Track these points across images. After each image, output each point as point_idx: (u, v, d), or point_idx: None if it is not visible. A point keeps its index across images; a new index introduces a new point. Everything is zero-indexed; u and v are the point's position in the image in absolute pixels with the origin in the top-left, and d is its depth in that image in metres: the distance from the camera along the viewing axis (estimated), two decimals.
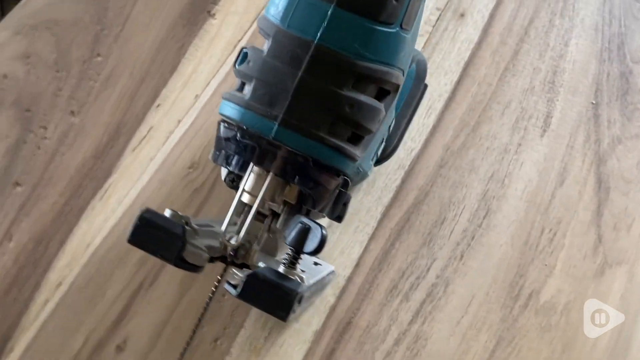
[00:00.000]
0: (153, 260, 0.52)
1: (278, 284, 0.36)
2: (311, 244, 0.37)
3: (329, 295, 0.55)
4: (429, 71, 0.64)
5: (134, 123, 0.61)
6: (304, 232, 0.37)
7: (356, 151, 0.39)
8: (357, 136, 0.39)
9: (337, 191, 0.40)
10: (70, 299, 0.54)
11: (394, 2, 0.36)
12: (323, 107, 0.37)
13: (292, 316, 0.37)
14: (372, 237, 0.57)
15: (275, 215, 0.42)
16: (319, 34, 0.36)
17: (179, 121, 0.61)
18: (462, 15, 0.67)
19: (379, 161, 0.57)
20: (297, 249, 0.37)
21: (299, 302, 0.38)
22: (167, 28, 0.65)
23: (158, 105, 0.61)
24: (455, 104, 0.63)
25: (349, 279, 0.56)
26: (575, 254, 0.58)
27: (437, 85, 0.64)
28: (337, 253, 0.56)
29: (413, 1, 0.38)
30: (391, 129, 0.51)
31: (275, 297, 0.36)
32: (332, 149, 0.37)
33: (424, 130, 0.62)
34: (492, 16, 0.68)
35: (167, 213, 0.38)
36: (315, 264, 0.52)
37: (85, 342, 0.52)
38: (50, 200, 0.57)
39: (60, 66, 0.62)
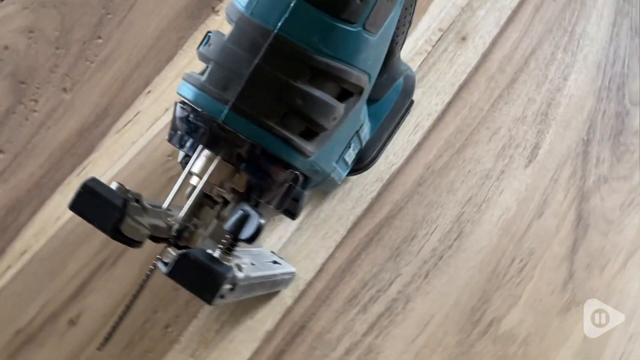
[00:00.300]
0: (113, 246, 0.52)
1: (208, 266, 0.36)
2: (247, 231, 0.37)
3: (287, 297, 0.55)
4: (421, 89, 0.64)
5: (123, 106, 0.61)
6: (243, 219, 0.37)
7: (307, 146, 0.39)
8: (311, 132, 0.39)
9: (287, 185, 0.40)
10: (32, 268, 0.54)
11: (358, 1, 0.36)
12: (275, 97, 0.37)
13: (219, 301, 0.37)
14: (340, 245, 0.57)
15: (226, 202, 0.42)
16: (279, 24, 0.36)
17: (167, 109, 0.61)
18: (464, 38, 0.67)
19: (356, 170, 0.57)
20: (235, 234, 0.37)
21: (232, 289, 0.38)
22: (170, 19, 0.66)
23: (149, 92, 0.62)
24: (443, 124, 0.63)
25: (310, 284, 0.55)
26: (543, 287, 0.57)
27: (428, 104, 0.64)
28: (302, 256, 0.56)
29: (379, 5, 0.38)
30: (363, 137, 0.51)
31: (204, 280, 0.36)
32: (281, 139, 0.37)
33: (408, 146, 0.62)
34: (493, 43, 0.67)
35: (114, 186, 0.38)
36: (275, 262, 0.52)
37: (39, 311, 0.53)
38: (29, 170, 0.58)
39: (61, 44, 0.64)
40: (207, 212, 0.42)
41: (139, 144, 0.60)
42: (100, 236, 0.55)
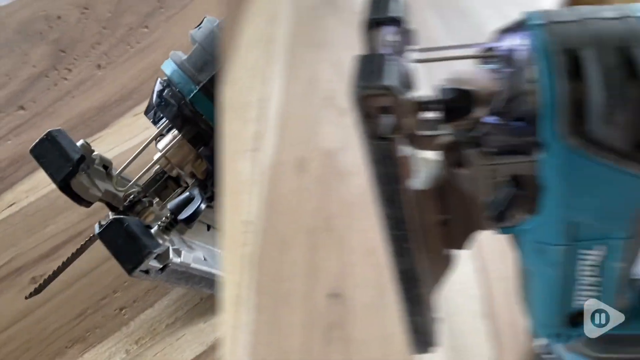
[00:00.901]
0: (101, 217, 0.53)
1: (137, 236, 0.36)
2: (186, 212, 0.37)
3: None
4: None
5: (147, 93, 0.62)
6: (187, 201, 0.37)
7: None
8: None
9: None
10: (14, 220, 0.56)
11: None
12: None
13: (141, 275, 0.37)
14: None
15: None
16: None
17: None
18: None
19: None
20: (175, 214, 0.37)
21: (162, 269, 0.38)
22: None
23: None
24: None
25: None
26: None
27: None
28: None
29: None
30: None
31: (129, 248, 0.36)
32: None
33: None
34: None
35: (79, 143, 0.39)
36: None
37: (8, 262, 0.54)
38: (42, 130, 0.59)
39: (109, 25, 0.67)
40: (168, 194, 0.42)
41: (150, 131, 0.61)
42: (86, 209, 0.57)
